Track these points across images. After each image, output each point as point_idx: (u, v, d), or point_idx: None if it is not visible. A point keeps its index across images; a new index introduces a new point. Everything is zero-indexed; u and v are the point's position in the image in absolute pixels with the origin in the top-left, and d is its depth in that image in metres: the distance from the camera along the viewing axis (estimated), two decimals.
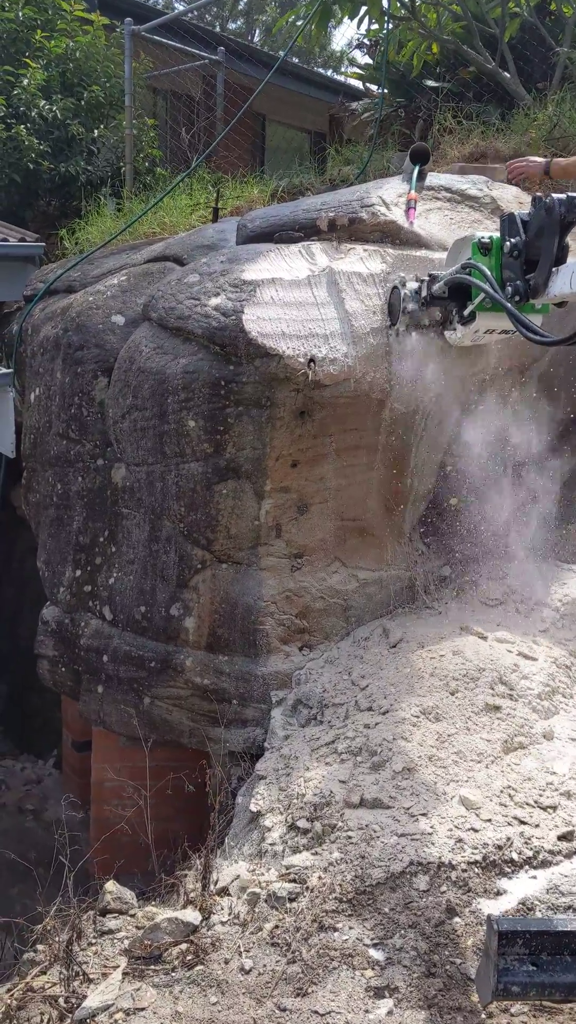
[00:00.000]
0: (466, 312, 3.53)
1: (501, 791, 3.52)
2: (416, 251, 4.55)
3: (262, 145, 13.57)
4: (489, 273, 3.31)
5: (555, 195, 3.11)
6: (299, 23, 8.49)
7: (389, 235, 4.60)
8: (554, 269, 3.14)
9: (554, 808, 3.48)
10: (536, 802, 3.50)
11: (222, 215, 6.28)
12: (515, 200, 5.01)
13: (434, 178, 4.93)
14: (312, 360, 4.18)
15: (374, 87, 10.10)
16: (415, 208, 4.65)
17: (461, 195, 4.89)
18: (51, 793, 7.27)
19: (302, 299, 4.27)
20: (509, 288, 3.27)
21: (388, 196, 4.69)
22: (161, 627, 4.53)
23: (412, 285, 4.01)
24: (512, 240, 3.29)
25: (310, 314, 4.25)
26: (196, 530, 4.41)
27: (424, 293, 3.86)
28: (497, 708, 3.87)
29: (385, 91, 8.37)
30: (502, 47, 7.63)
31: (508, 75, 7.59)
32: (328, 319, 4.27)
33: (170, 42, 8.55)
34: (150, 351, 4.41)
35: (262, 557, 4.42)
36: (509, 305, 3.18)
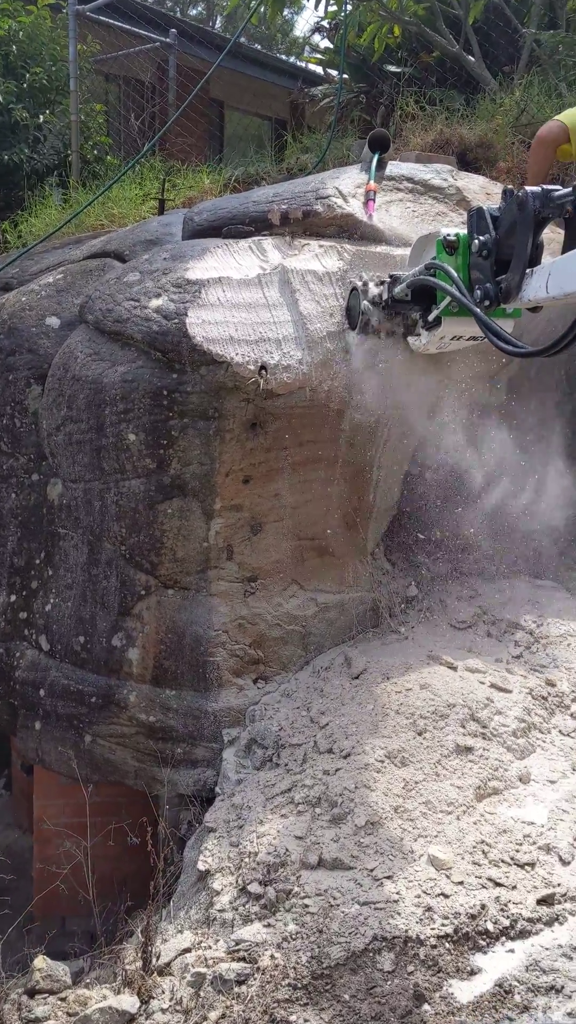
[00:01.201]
0: (431, 317, 3.16)
1: (474, 847, 3.18)
2: (376, 247, 4.18)
3: (221, 133, 13.13)
4: (456, 274, 2.95)
5: (528, 188, 2.75)
6: (252, 3, 8.08)
7: (347, 229, 4.24)
8: (528, 270, 2.78)
9: (532, 865, 3.15)
10: (512, 859, 3.16)
11: (173, 206, 5.88)
12: (482, 191, 4.66)
13: (395, 167, 4.57)
14: (263, 367, 3.80)
15: (334, 72, 9.71)
16: (375, 200, 4.29)
17: (424, 185, 4.53)
18: (1, 815, 6.88)
19: (252, 300, 3.89)
20: (478, 291, 2.90)
21: (345, 187, 4.32)
22: (102, 659, 4.14)
23: (373, 287, 3.64)
24: (481, 238, 2.92)
25: (261, 317, 3.87)
26: (139, 553, 4.02)
27: (386, 296, 3.50)
28: (469, 749, 3.53)
29: (345, 76, 8.00)
30: (466, 29, 7.28)
31: (472, 59, 7.24)
32: (281, 322, 3.89)
33: (118, 23, 8.10)
34: (86, 357, 4.01)
35: (212, 582, 4.05)
36: (478, 310, 2.82)
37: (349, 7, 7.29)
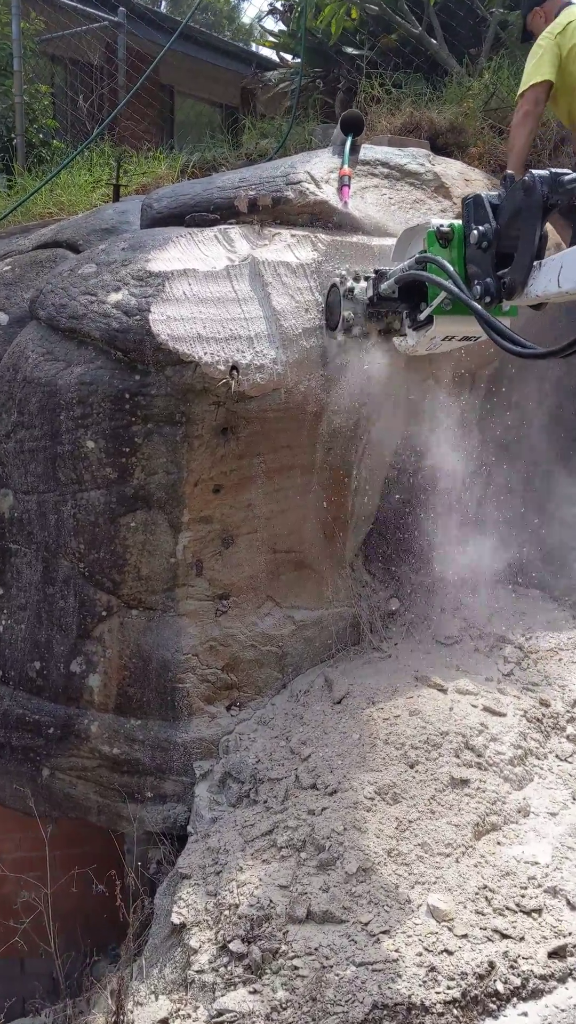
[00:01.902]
0: (422, 316, 2.85)
1: (476, 893, 2.91)
2: (352, 236, 3.88)
3: (171, 120, 12.71)
4: (451, 268, 2.63)
5: (534, 171, 2.45)
6: None
7: (320, 217, 3.92)
8: (535, 263, 2.49)
9: (539, 912, 2.89)
10: (518, 905, 2.90)
11: (127, 194, 5.53)
12: (460, 177, 4.38)
13: (369, 151, 4.26)
14: (235, 367, 3.48)
15: (288, 56, 9.37)
16: (349, 186, 3.98)
17: (400, 171, 4.23)
18: None
19: (221, 294, 3.57)
20: (478, 287, 2.59)
21: (318, 172, 4.01)
22: (60, 686, 3.80)
23: (355, 284, 3.32)
24: (480, 228, 2.61)
25: (231, 312, 3.55)
26: (99, 571, 3.68)
27: (370, 293, 3.18)
28: (465, 782, 3.26)
29: (302, 59, 7.68)
30: (429, 11, 6.99)
31: (435, 41, 6.95)
32: (252, 318, 3.58)
33: (64, 0, 7.68)
34: (38, 357, 3.65)
35: (180, 601, 3.72)
36: (480, 308, 2.51)
37: None
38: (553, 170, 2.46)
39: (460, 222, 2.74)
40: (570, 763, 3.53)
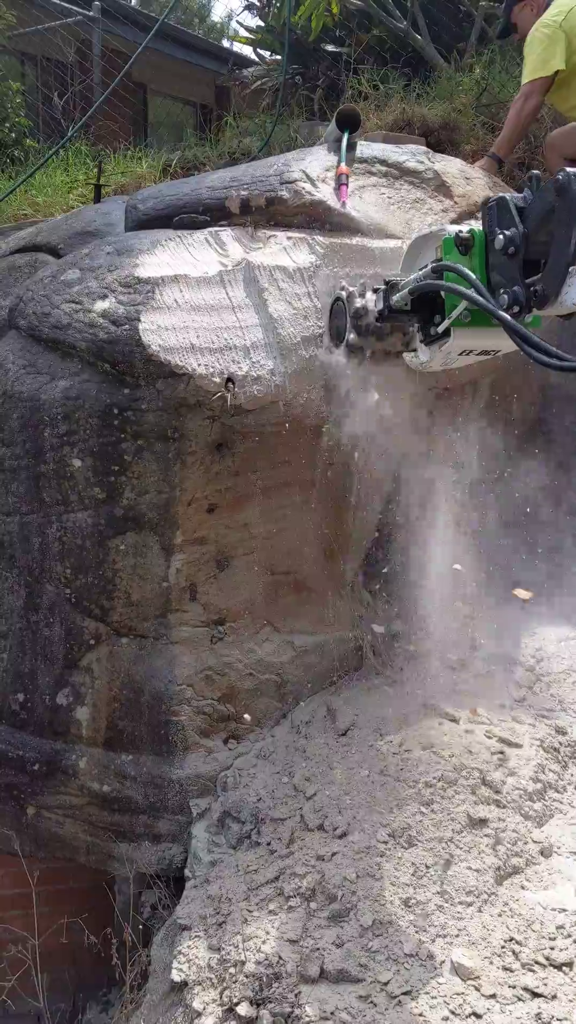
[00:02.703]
0: (440, 328, 2.63)
1: (503, 947, 2.70)
2: (351, 238, 3.66)
3: (144, 119, 12.45)
4: (473, 276, 2.42)
5: (569, 169, 2.24)
6: None
7: (317, 218, 3.70)
8: (571, 269, 2.28)
9: (570, 966, 2.67)
10: (548, 959, 2.69)
11: (107, 194, 5.29)
12: (461, 175, 4.18)
13: (366, 148, 4.04)
14: (231, 379, 3.26)
15: (265, 53, 9.16)
16: (347, 184, 3.77)
17: (399, 169, 4.01)
18: None
19: (214, 301, 3.34)
20: (505, 296, 2.38)
21: (314, 170, 3.79)
22: (45, 720, 3.55)
23: (362, 296, 3.08)
24: (506, 232, 2.39)
25: (225, 320, 3.32)
26: (87, 597, 3.45)
27: (380, 306, 2.94)
28: (483, 821, 3.05)
29: (277, 57, 7.48)
30: (413, 7, 6.80)
31: (420, 37, 6.77)
32: (248, 326, 3.35)
33: None
34: (19, 370, 3.41)
35: (174, 627, 3.49)
36: (509, 319, 2.29)
37: None
38: None
39: (479, 227, 2.53)
40: None
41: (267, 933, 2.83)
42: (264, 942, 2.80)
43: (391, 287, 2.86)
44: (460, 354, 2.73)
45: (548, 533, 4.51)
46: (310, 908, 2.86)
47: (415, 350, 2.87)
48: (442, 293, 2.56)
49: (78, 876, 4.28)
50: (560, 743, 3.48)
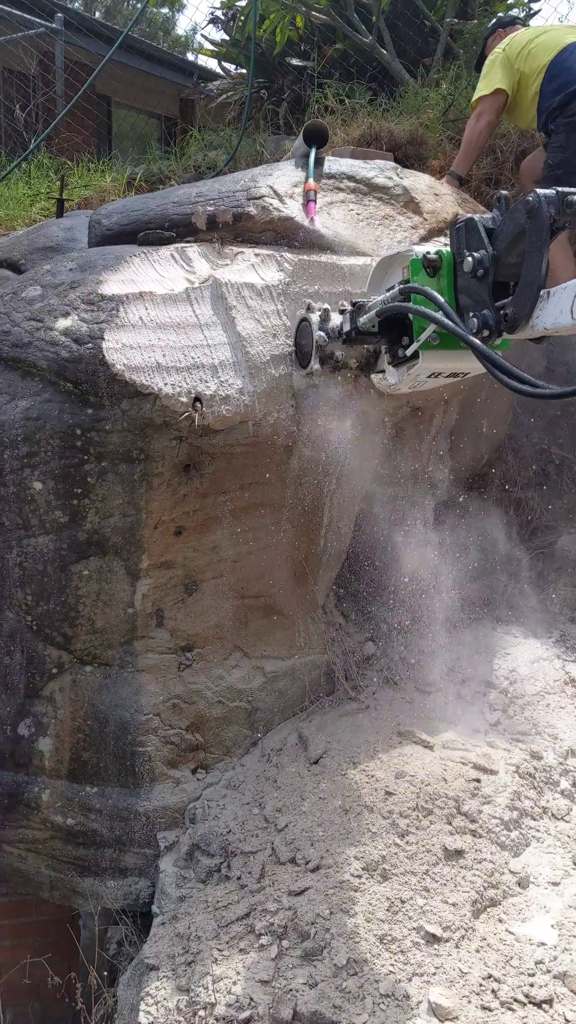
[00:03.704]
0: (409, 351, 2.56)
1: (481, 984, 2.63)
2: (320, 255, 3.59)
3: (108, 132, 12.35)
4: (442, 299, 2.35)
5: (540, 191, 2.19)
6: None
7: (285, 235, 3.64)
8: (543, 292, 2.22)
9: (550, 1003, 2.61)
10: (527, 996, 2.62)
11: (70, 208, 5.19)
12: (430, 191, 4.14)
13: (334, 164, 3.99)
14: (198, 399, 3.17)
15: (231, 66, 9.11)
16: (315, 201, 3.70)
17: (368, 184, 3.96)
18: None
19: (181, 319, 3.26)
20: (474, 319, 2.32)
21: (281, 186, 3.72)
22: (6, 751, 3.42)
23: (329, 318, 3.02)
24: (475, 254, 2.34)
25: (192, 339, 3.24)
26: (49, 624, 3.33)
27: (347, 328, 2.88)
28: (459, 853, 2.98)
29: (243, 71, 7.44)
30: (379, 22, 6.78)
31: (386, 51, 6.75)
32: (216, 345, 3.27)
33: None
34: None
35: (140, 655, 3.39)
36: (478, 343, 2.23)
37: None
38: (560, 189, 2.21)
39: (447, 249, 2.47)
40: (567, 822, 3.27)
41: (238, 973, 2.73)
42: (235, 983, 2.71)
43: (358, 308, 2.80)
44: (429, 376, 2.67)
45: (519, 552, 4.48)
46: (282, 946, 2.77)
47: (383, 371, 2.81)
48: (410, 315, 2.50)
49: (42, 909, 4.15)
50: (535, 768, 3.41)
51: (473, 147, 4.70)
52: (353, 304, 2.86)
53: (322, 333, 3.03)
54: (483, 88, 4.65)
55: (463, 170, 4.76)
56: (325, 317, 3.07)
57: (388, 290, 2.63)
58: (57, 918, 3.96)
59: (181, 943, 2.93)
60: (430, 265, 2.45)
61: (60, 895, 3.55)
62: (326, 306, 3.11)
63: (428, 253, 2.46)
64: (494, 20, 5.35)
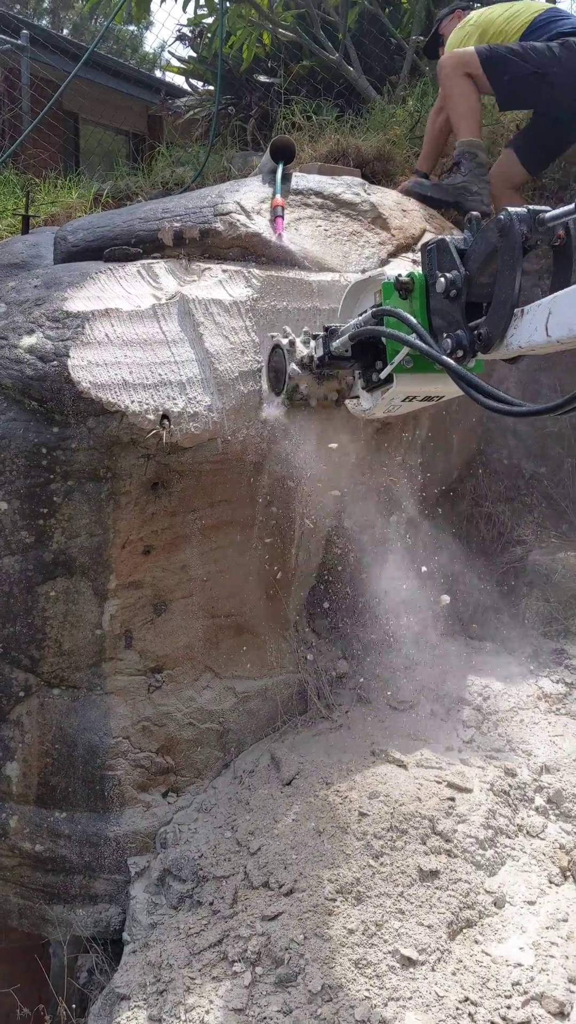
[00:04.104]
0: (383, 374, 2.53)
1: (458, 1008, 2.59)
2: (288, 271, 3.57)
3: (76, 148, 12.32)
4: (414, 320, 2.32)
5: (512, 209, 2.17)
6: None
7: (252, 251, 3.62)
8: (517, 311, 2.20)
9: None
10: (504, 1019, 2.58)
11: (36, 224, 5.14)
12: (397, 207, 4.14)
13: (301, 180, 3.98)
14: (166, 416, 3.14)
15: (198, 83, 9.13)
16: (283, 217, 3.69)
17: (335, 200, 3.95)
18: None
19: (148, 336, 3.22)
20: (448, 340, 2.28)
21: (248, 202, 3.71)
22: None
23: (301, 344, 2.99)
24: (448, 275, 2.31)
25: (160, 355, 3.21)
26: (15, 647, 3.26)
27: (320, 352, 2.85)
28: (435, 873, 2.94)
29: (217, 85, 7.43)
30: (345, 39, 6.82)
31: (353, 69, 6.78)
32: (184, 361, 3.24)
33: None
34: None
35: (108, 677, 3.33)
36: (452, 363, 2.20)
37: (228, 4, 6.66)
38: (531, 207, 2.19)
39: (420, 271, 2.45)
40: (542, 839, 3.24)
41: (211, 1002, 2.67)
42: (208, 1012, 2.65)
43: (330, 333, 2.78)
44: (403, 400, 2.63)
45: (491, 567, 4.47)
46: (256, 973, 2.72)
47: (357, 397, 2.77)
48: (383, 339, 2.47)
49: (10, 937, 4.06)
50: (510, 785, 3.39)
51: (436, 142, 4.91)
52: (325, 329, 2.83)
53: (295, 367, 3.00)
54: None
55: (427, 168, 4.93)
56: (300, 340, 3.05)
57: (360, 315, 2.60)
58: (26, 946, 3.87)
59: (152, 971, 2.87)
60: (402, 287, 2.42)
61: (29, 923, 3.48)
62: (290, 333, 3.08)
63: (400, 275, 2.44)
64: (452, 4, 5.53)
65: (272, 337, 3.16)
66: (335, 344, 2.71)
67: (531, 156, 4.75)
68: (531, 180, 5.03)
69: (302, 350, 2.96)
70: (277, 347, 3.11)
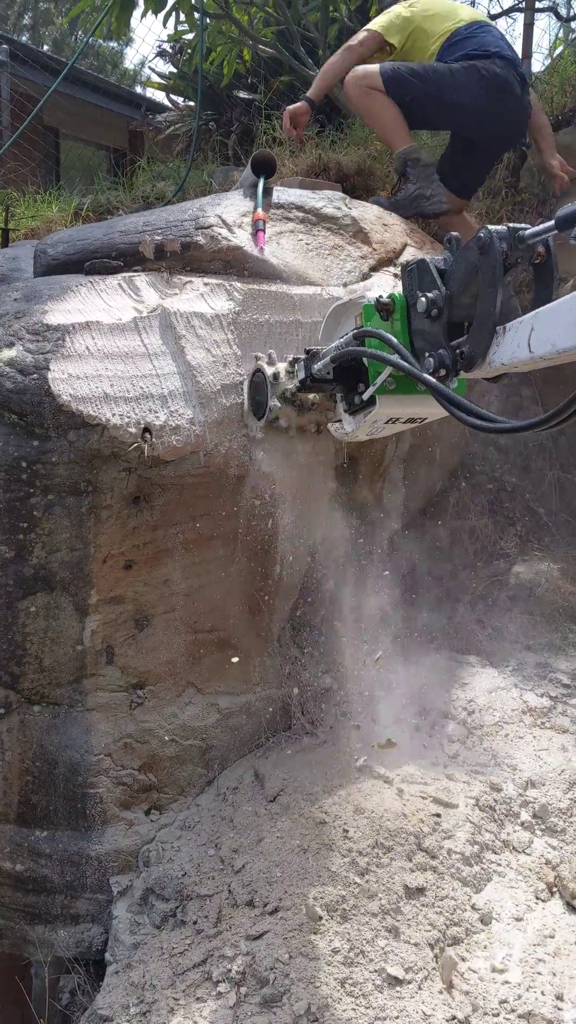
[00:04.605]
0: (365, 396, 2.51)
1: None
2: (270, 285, 3.57)
3: (56, 163, 12.32)
4: (396, 340, 2.31)
5: (491, 227, 2.16)
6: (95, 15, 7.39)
7: (234, 264, 3.61)
8: (499, 328, 2.19)
9: None
10: None
11: (16, 239, 5.13)
12: (378, 221, 4.14)
13: (282, 194, 3.98)
14: (147, 430, 3.11)
15: (179, 99, 9.16)
16: (264, 231, 3.68)
17: (316, 215, 3.96)
18: None
19: (129, 349, 3.20)
20: (430, 359, 2.27)
21: (230, 215, 3.70)
22: None
23: (283, 368, 2.99)
24: (429, 295, 2.30)
25: (141, 368, 3.18)
26: None
27: (302, 376, 2.84)
28: (421, 890, 2.91)
29: (191, 103, 7.46)
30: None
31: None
32: (165, 374, 3.21)
33: None
34: None
35: (89, 693, 3.29)
36: (435, 382, 2.19)
37: (207, 21, 6.68)
38: (511, 225, 2.19)
39: (400, 292, 2.44)
40: (527, 854, 3.22)
41: (195, 1023, 2.63)
42: None
43: (312, 356, 2.77)
44: (386, 422, 2.62)
45: (474, 580, 4.46)
46: (240, 993, 2.68)
47: (339, 421, 2.76)
48: (365, 360, 2.46)
49: None
50: (496, 800, 3.36)
51: (332, 78, 4.92)
52: (307, 352, 2.82)
53: (276, 402, 3.00)
54: (380, 22, 4.79)
55: (316, 96, 5.02)
56: (280, 364, 3.05)
57: (342, 337, 2.59)
58: (7, 967, 3.80)
59: (136, 992, 2.83)
60: (383, 309, 2.42)
61: (9, 944, 3.42)
62: (281, 364, 3.07)
63: (380, 297, 2.43)
64: None
65: (257, 359, 3.15)
66: (317, 367, 2.70)
67: (458, 182, 4.83)
68: (468, 203, 5.07)
69: (285, 384, 2.96)
70: (259, 371, 3.11)
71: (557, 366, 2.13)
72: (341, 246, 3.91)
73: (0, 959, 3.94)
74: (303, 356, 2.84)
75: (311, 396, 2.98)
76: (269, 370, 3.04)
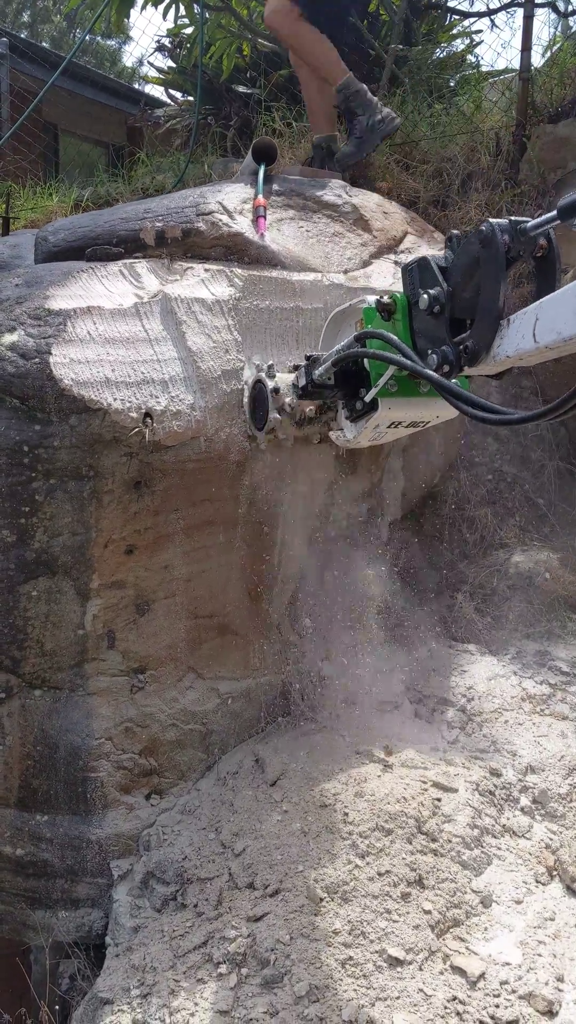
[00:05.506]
0: (367, 398, 2.49)
1: (446, 1008, 2.56)
2: (271, 271, 3.57)
3: (56, 159, 12.32)
4: (397, 339, 2.30)
5: (492, 220, 2.15)
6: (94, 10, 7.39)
7: (235, 251, 3.61)
8: (503, 321, 2.18)
9: (516, 1023, 2.55)
10: (493, 1017, 2.56)
11: (14, 228, 5.13)
12: (379, 209, 4.15)
13: (282, 181, 4.00)
14: (148, 414, 3.12)
15: (177, 94, 9.15)
16: (265, 217, 3.69)
17: (317, 202, 3.96)
18: None
19: (130, 334, 3.20)
20: (433, 356, 2.25)
21: (231, 202, 3.71)
22: None
23: (283, 376, 3.00)
24: (431, 292, 2.28)
25: (142, 354, 3.19)
26: None
27: (303, 382, 2.83)
28: (421, 874, 2.92)
29: (190, 98, 7.45)
30: None
31: None
32: (166, 360, 3.22)
33: None
34: None
35: (90, 677, 3.29)
36: (439, 377, 2.17)
37: (207, 15, 6.68)
38: (512, 218, 2.18)
39: (400, 292, 2.43)
40: (527, 839, 3.23)
41: (196, 1004, 2.64)
42: (193, 1014, 2.61)
43: (312, 361, 2.75)
44: (389, 427, 2.59)
45: (473, 569, 4.47)
46: (241, 974, 2.68)
47: (341, 429, 2.75)
48: (367, 365, 2.45)
49: None
50: (495, 785, 3.37)
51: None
52: (307, 358, 2.81)
53: (276, 415, 3.00)
54: None
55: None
56: (286, 371, 3.06)
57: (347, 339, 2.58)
58: (6, 953, 3.81)
59: (136, 975, 2.83)
60: (384, 310, 2.40)
61: (9, 928, 3.42)
62: (282, 375, 3.08)
63: (381, 298, 2.42)
64: None
65: (257, 368, 3.16)
66: (318, 372, 2.68)
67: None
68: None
69: (284, 397, 2.96)
70: (260, 382, 3.11)
71: (557, 358, 2.12)
72: (342, 233, 3.92)
73: (0, 945, 3.95)
74: (304, 362, 2.83)
75: (308, 410, 2.99)
76: (270, 383, 3.04)
